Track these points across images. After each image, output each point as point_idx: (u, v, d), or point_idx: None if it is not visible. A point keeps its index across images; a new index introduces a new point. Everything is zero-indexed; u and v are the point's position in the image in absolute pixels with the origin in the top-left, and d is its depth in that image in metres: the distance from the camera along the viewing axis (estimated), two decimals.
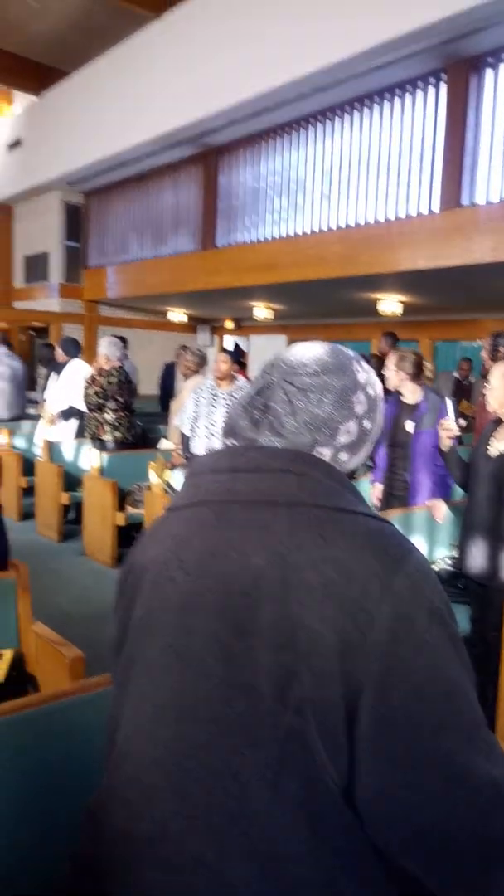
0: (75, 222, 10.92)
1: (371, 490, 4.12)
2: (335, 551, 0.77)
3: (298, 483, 0.83)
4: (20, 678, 2.19)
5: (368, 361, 0.98)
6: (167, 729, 0.81)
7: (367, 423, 0.92)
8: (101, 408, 5.56)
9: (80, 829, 0.90)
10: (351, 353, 0.95)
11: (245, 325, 11.90)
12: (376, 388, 0.95)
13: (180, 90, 7.32)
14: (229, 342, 12.57)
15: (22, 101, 11.37)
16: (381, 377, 3.30)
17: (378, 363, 5.54)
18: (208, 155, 8.22)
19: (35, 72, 10.50)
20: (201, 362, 5.68)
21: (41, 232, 11.28)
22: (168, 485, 4.70)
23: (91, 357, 7.18)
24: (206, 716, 0.78)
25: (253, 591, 0.78)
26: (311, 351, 0.93)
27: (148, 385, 9.37)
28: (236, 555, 0.81)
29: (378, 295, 7.79)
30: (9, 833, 1.33)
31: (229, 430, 0.93)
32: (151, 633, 0.86)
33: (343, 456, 0.90)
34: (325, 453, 0.88)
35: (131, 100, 8.08)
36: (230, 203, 8.07)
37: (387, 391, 3.74)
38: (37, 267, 11.47)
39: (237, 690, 0.77)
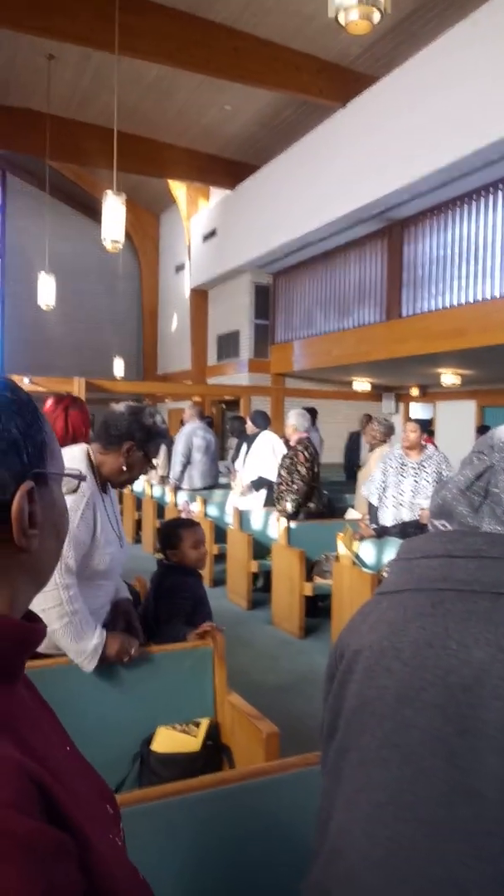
0: (263, 301, 11.59)
1: None
2: None
3: None
4: (215, 748, 2.22)
5: None
6: (385, 828, 0.77)
7: None
8: (292, 477, 5.67)
9: None
10: None
11: (431, 391, 11.68)
12: None
13: (364, 171, 7.58)
14: (415, 410, 12.38)
15: (216, 195, 12.42)
16: None
17: None
18: (393, 228, 8.36)
19: (228, 168, 11.44)
20: (388, 432, 5.64)
21: (232, 312, 12.09)
22: (357, 556, 4.64)
23: (279, 428, 7.41)
24: (427, 818, 0.74)
25: (476, 686, 0.73)
26: None
27: (332, 453, 9.44)
28: (456, 646, 0.77)
29: None
30: None
31: (442, 513, 0.90)
32: (367, 723, 0.83)
33: None
34: None
35: (317, 185, 8.49)
36: (415, 272, 8.09)
37: None
38: (228, 344, 12.29)
39: (460, 794, 0.72)
